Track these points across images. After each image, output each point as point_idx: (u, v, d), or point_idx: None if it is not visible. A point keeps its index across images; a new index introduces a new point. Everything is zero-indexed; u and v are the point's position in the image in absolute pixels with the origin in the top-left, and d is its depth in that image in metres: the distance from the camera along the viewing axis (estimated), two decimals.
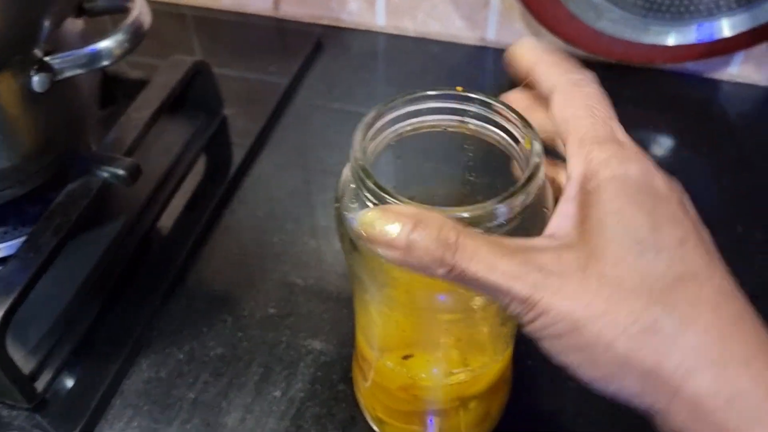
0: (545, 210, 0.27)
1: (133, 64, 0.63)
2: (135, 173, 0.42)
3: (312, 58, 0.62)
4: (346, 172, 0.28)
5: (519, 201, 0.25)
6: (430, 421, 0.34)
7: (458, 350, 0.31)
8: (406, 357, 0.32)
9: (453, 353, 0.31)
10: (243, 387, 0.40)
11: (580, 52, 0.59)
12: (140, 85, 0.50)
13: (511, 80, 0.59)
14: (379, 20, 0.64)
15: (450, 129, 0.29)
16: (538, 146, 0.26)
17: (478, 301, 0.26)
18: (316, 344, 0.42)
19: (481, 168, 0.32)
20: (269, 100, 0.57)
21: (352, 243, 0.27)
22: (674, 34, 0.53)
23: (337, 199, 0.28)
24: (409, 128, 0.29)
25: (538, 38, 0.61)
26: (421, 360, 0.32)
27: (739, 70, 0.58)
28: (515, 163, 0.28)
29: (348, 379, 0.40)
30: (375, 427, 0.37)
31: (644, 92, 0.58)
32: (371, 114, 0.27)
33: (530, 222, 0.26)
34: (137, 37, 0.38)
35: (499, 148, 0.29)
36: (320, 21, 0.66)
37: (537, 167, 0.25)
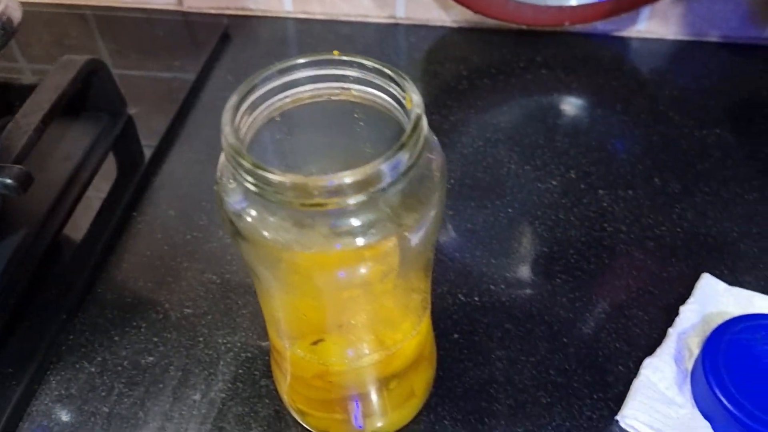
0: (434, 171, 0.26)
1: (34, 71, 0.61)
2: (25, 181, 0.39)
3: (219, 49, 0.60)
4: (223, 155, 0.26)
5: (404, 158, 0.23)
6: (352, 406, 0.33)
7: (368, 330, 0.30)
8: (315, 343, 0.31)
9: (363, 333, 0.30)
10: (160, 394, 0.38)
11: (491, 22, 0.58)
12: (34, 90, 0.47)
13: (425, 56, 0.58)
14: (286, 5, 0.62)
15: (333, 97, 0.28)
16: (417, 99, 0.25)
17: (372, 274, 0.25)
18: (236, 341, 0.40)
19: (376, 138, 0.31)
20: (176, 96, 0.55)
21: (234, 225, 0.25)
22: None
23: (217, 182, 0.26)
24: (288, 100, 0.28)
25: (447, 12, 0.61)
26: (331, 344, 0.30)
27: (646, 26, 0.58)
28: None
29: (269, 374, 0.38)
30: (299, 420, 0.36)
31: (556, 55, 0.58)
32: (239, 90, 0.26)
33: (418, 185, 0.25)
34: (6, 33, 0.35)
35: (389, 113, 0.28)
36: (226, 11, 0.63)
37: (418, 119, 0.24)
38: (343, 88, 0.28)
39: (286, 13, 0.63)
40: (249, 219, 0.25)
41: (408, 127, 0.24)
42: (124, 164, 0.51)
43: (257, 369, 0.39)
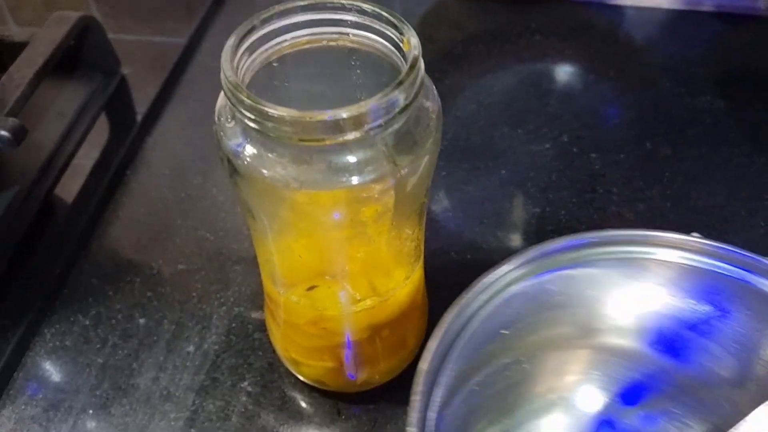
0: (430, 114, 0.26)
1: (24, 32, 0.60)
2: (18, 134, 0.39)
3: (212, 13, 0.60)
4: (222, 95, 0.26)
5: (400, 97, 0.24)
6: (345, 354, 0.33)
7: (361, 276, 0.30)
8: (309, 288, 0.31)
9: (356, 280, 0.30)
10: (154, 346, 0.39)
11: None
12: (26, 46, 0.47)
13: (420, 20, 0.58)
14: None
15: (331, 42, 0.28)
16: (415, 41, 0.25)
17: (367, 213, 0.25)
18: (229, 296, 0.41)
19: (373, 86, 0.31)
20: (169, 58, 0.55)
21: (232, 164, 0.25)
22: None
23: (215, 122, 0.27)
24: (286, 44, 0.28)
25: None
26: (325, 290, 0.31)
27: None
28: None
29: (263, 327, 0.39)
30: (292, 370, 0.36)
31: (550, 23, 0.58)
32: (238, 31, 0.26)
33: (414, 127, 0.25)
34: None
35: (386, 60, 0.28)
36: None
37: (416, 60, 0.24)
38: (341, 33, 0.28)
39: None
40: (247, 156, 0.25)
41: (405, 68, 0.24)
42: (118, 123, 0.51)
43: (251, 322, 0.39)
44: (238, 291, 0.41)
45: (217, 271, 0.42)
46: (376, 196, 0.25)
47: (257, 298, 0.40)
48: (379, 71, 0.29)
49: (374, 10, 0.26)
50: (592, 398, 0.34)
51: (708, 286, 0.30)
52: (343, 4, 0.27)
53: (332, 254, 0.29)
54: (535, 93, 0.52)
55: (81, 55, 0.49)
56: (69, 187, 0.46)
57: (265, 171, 0.24)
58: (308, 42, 0.28)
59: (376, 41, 0.27)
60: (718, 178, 0.46)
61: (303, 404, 0.36)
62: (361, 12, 0.27)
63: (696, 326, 0.30)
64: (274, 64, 0.28)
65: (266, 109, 0.23)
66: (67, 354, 0.38)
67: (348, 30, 0.27)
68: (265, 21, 0.26)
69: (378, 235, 0.27)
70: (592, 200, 0.45)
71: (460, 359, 0.27)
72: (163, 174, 0.47)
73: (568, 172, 0.46)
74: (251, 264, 0.42)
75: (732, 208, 0.44)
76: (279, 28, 0.27)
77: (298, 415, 0.36)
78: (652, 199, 0.45)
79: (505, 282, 0.29)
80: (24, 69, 0.43)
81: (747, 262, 0.29)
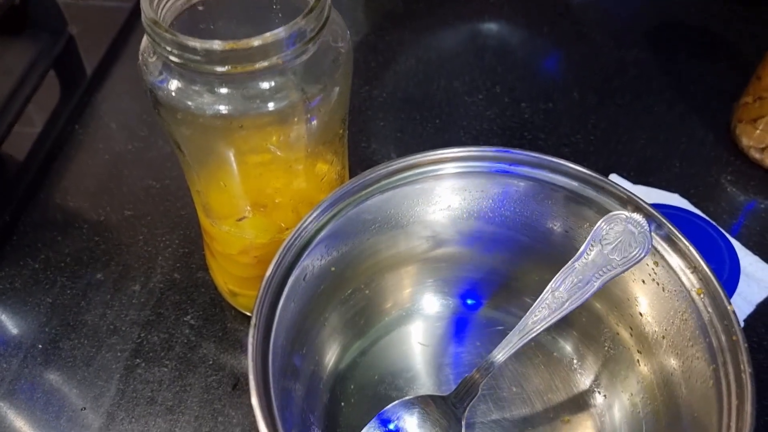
0: (339, 50, 0.28)
1: None
2: None
3: None
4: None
5: (308, 27, 0.26)
6: None
7: (287, 205, 0.32)
8: (239, 220, 0.33)
9: (282, 209, 0.32)
10: (101, 286, 0.41)
11: None
12: None
13: None
14: None
15: None
16: None
17: (281, 139, 0.28)
18: (174, 238, 0.43)
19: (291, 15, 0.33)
20: (117, 20, 0.56)
21: (155, 96, 0.27)
22: None
23: (139, 59, 0.28)
24: None
25: None
26: (253, 220, 0.33)
27: None
28: None
29: (206, 267, 0.41)
30: (230, 302, 0.38)
31: None
32: None
33: (323, 59, 0.27)
34: None
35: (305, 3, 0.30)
36: None
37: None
38: None
39: None
40: (167, 88, 0.27)
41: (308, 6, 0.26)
42: (66, 81, 0.52)
43: (194, 263, 0.41)
44: (183, 234, 0.43)
45: (162, 216, 0.44)
46: (288, 122, 0.27)
47: (201, 240, 0.42)
48: (300, 12, 0.31)
49: None
50: (435, 303, 0.38)
51: (490, 185, 0.33)
52: None
53: (255, 184, 0.31)
54: (472, 48, 0.54)
55: (27, 14, 0.50)
56: (20, 143, 0.47)
57: (185, 101, 0.26)
58: None
59: None
60: (640, 125, 0.49)
61: (242, 334, 0.39)
62: None
63: (489, 218, 0.34)
64: (199, 8, 0.30)
65: (182, 40, 0.25)
66: (17, 295, 0.40)
67: None
68: None
69: (296, 162, 0.30)
70: (521, 145, 0.47)
71: (298, 304, 0.30)
72: (111, 128, 0.49)
73: (499, 120, 0.49)
74: (195, 208, 0.44)
75: (651, 151, 0.47)
76: None
77: (237, 344, 0.38)
78: (576, 144, 0.47)
79: (321, 222, 0.31)
80: None
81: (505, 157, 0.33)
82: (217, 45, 0.25)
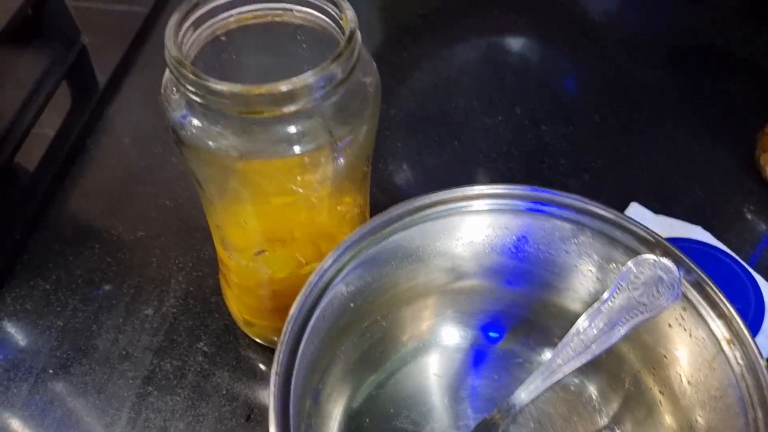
0: (368, 88, 0.28)
1: None
2: None
3: None
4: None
5: (337, 71, 0.25)
6: None
7: (307, 241, 0.32)
8: (258, 253, 0.32)
9: (302, 244, 0.32)
10: (114, 309, 0.40)
11: None
12: None
13: None
14: None
15: (276, 18, 0.29)
16: (351, 15, 0.26)
17: (306, 180, 0.27)
18: (188, 261, 0.42)
19: (319, 59, 0.32)
20: (130, 28, 0.55)
21: (177, 134, 0.27)
22: None
23: (162, 93, 0.28)
24: (232, 20, 0.29)
25: None
26: (272, 255, 0.32)
27: None
28: None
29: (220, 291, 0.40)
30: (245, 331, 0.38)
31: None
32: (182, 7, 0.27)
33: (351, 99, 0.27)
34: None
35: (330, 35, 0.29)
36: None
37: (352, 33, 0.26)
38: (284, 9, 0.29)
39: None
40: (191, 127, 0.26)
41: (342, 42, 0.25)
42: (78, 92, 0.51)
43: (208, 287, 0.41)
44: (197, 256, 0.42)
45: (176, 237, 0.43)
46: (315, 164, 0.27)
47: (215, 262, 0.42)
48: (324, 45, 0.30)
49: None
50: (455, 335, 0.37)
51: (515, 223, 0.33)
52: None
53: (276, 221, 0.30)
54: (491, 66, 0.53)
55: (40, 23, 0.49)
56: (30, 156, 0.47)
57: (207, 141, 0.26)
58: (254, 17, 0.29)
59: (318, 17, 0.28)
60: (662, 150, 0.48)
61: (256, 363, 0.38)
62: None
63: (512, 254, 0.34)
64: (222, 38, 0.29)
65: (208, 83, 0.24)
66: (28, 317, 0.40)
67: (291, 6, 0.29)
68: None
69: (319, 201, 0.29)
70: (540, 171, 0.46)
71: (316, 342, 0.29)
72: (124, 143, 0.48)
73: (518, 143, 0.48)
74: (209, 231, 0.43)
75: (673, 179, 0.46)
76: (223, 4, 0.28)
77: (251, 373, 0.38)
78: (597, 169, 0.47)
79: (343, 262, 0.30)
80: None
81: (541, 197, 0.32)
82: (243, 89, 0.24)
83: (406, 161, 0.47)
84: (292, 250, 0.32)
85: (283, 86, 0.24)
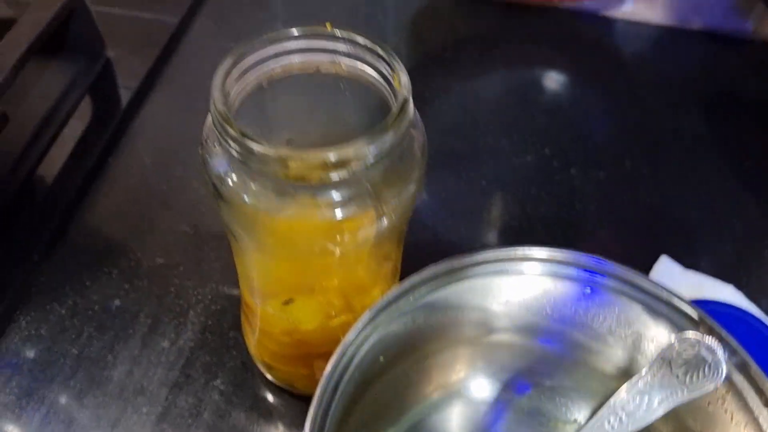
0: (416, 150, 0.27)
1: (9, 2, 0.59)
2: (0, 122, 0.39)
3: None
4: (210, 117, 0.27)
5: (388, 139, 0.24)
6: (318, 363, 0.34)
7: (338, 294, 0.31)
8: (286, 302, 0.31)
9: (333, 297, 0.31)
10: (130, 339, 0.39)
11: None
12: (10, 25, 0.46)
13: (412, 19, 0.58)
14: None
15: (323, 69, 0.28)
16: (405, 80, 0.26)
17: (347, 245, 0.26)
18: (207, 292, 0.41)
19: (361, 108, 0.31)
20: (157, 40, 0.54)
21: (216, 188, 0.26)
22: None
23: (202, 144, 0.27)
24: (278, 69, 0.28)
25: None
26: (301, 304, 0.31)
27: (632, 8, 0.59)
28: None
29: (238, 326, 0.39)
30: (264, 373, 0.37)
31: (542, 31, 0.58)
32: (231, 57, 0.26)
33: (399, 162, 0.26)
34: None
35: (375, 87, 0.28)
36: None
37: (405, 102, 0.25)
38: (333, 61, 0.28)
39: None
40: (231, 183, 0.25)
41: (394, 109, 0.24)
42: (101, 107, 0.50)
43: (226, 321, 0.40)
44: (216, 288, 0.41)
45: (195, 266, 0.42)
46: (356, 227, 0.26)
47: (234, 297, 0.41)
48: (368, 95, 0.29)
49: (367, 44, 0.26)
50: (482, 388, 0.36)
51: (554, 286, 0.32)
52: (337, 35, 0.27)
53: (310, 276, 0.29)
54: (522, 103, 0.52)
55: (66, 37, 0.48)
56: (49, 172, 0.46)
57: (249, 200, 0.25)
58: (300, 67, 0.28)
59: (367, 72, 0.27)
60: (693, 200, 0.47)
61: (274, 404, 0.37)
62: (355, 44, 0.27)
63: (547, 314, 0.33)
64: (264, 85, 0.28)
65: (253, 145, 0.23)
66: (42, 343, 0.39)
67: (341, 59, 0.28)
68: (258, 47, 0.26)
69: (357, 260, 0.28)
70: (569, 217, 0.46)
71: (345, 399, 0.28)
72: (145, 163, 0.47)
73: (547, 186, 0.47)
74: (230, 261, 0.42)
75: (703, 231, 0.45)
76: (272, 54, 0.27)
77: (268, 415, 0.37)
78: (627, 219, 0.46)
79: (378, 323, 0.29)
80: (7, 54, 0.42)
81: (599, 268, 0.32)
82: (289, 155, 0.23)
83: (433, 200, 0.46)
84: (322, 302, 0.31)
85: (332, 154, 0.23)
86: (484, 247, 0.43)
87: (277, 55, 0.27)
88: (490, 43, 0.57)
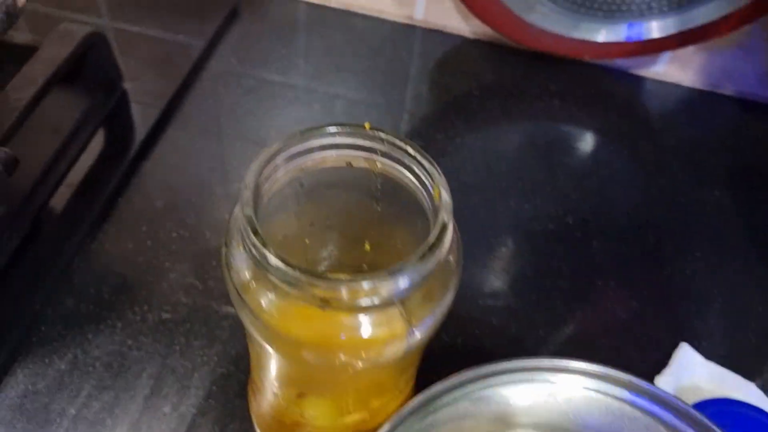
0: (452, 271, 0.25)
1: (27, 18, 0.57)
2: (10, 166, 0.38)
3: (226, 26, 0.57)
4: (237, 210, 0.25)
5: (424, 268, 0.23)
6: None
7: (355, 395, 0.29)
8: (300, 395, 0.30)
9: (350, 397, 0.29)
10: (130, 401, 0.38)
11: (509, 41, 0.57)
12: (28, 52, 0.44)
13: (437, 65, 0.56)
14: None
15: (354, 164, 0.27)
16: (446, 197, 0.24)
17: (372, 360, 0.25)
18: (213, 354, 0.40)
19: (390, 197, 0.30)
20: (176, 72, 0.53)
21: (240, 296, 0.24)
22: (604, 31, 0.52)
23: (226, 243, 0.25)
24: (310, 163, 0.26)
25: (467, 21, 0.59)
26: (315, 400, 0.30)
27: (664, 69, 0.57)
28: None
29: (243, 394, 0.38)
30: None
31: (570, 86, 0.56)
32: (266, 154, 0.24)
33: (434, 280, 0.24)
34: (9, 17, 0.33)
35: (410, 189, 0.27)
36: None
37: (444, 228, 0.23)
38: (368, 158, 0.26)
39: None
40: (257, 296, 0.24)
41: (432, 237, 0.23)
42: (115, 143, 0.48)
43: (232, 387, 0.38)
44: (223, 350, 0.40)
45: (202, 325, 0.41)
46: (384, 346, 0.24)
47: (242, 360, 0.39)
48: (399, 185, 0.28)
49: (407, 149, 0.25)
50: None
51: (580, 395, 0.31)
52: (376, 135, 0.25)
53: (328, 380, 0.28)
54: (546, 164, 0.51)
55: (83, 69, 0.47)
56: (56, 212, 0.44)
57: (273, 314, 0.23)
58: (335, 162, 0.27)
59: (405, 174, 0.26)
60: (716, 284, 0.46)
61: None
62: (394, 145, 0.25)
63: (577, 421, 0.31)
64: (296, 181, 0.27)
65: (284, 268, 0.21)
66: (39, 399, 0.37)
67: (378, 158, 0.26)
68: (293, 143, 0.25)
69: (379, 370, 0.27)
70: (588, 293, 0.44)
71: None
72: (156, 207, 0.46)
73: (568, 258, 0.46)
74: (238, 322, 0.41)
75: (725, 319, 0.44)
76: (307, 149, 0.26)
77: None
78: (648, 298, 0.44)
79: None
80: (21, 90, 0.40)
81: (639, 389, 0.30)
82: (320, 282, 0.21)
83: None
84: (339, 400, 0.30)
85: (366, 282, 0.22)
86: (503, 323, 0.42)
87: (312, 150, 0.26)
88: (515, 95, 0.55)
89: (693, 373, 0.41)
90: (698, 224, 0.49)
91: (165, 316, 0.41)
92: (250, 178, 0.24)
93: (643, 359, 0.42)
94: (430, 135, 0.51)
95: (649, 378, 0.40)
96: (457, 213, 0.47)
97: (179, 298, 0.42)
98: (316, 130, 0.25)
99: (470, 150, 0.51)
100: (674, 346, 0.42)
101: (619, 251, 0.46)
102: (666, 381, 0.40)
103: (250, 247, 0.22)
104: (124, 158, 0.47)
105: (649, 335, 0.43)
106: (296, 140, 0.25)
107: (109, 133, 0.48)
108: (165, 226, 0.45)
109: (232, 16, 0.58)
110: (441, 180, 0.24)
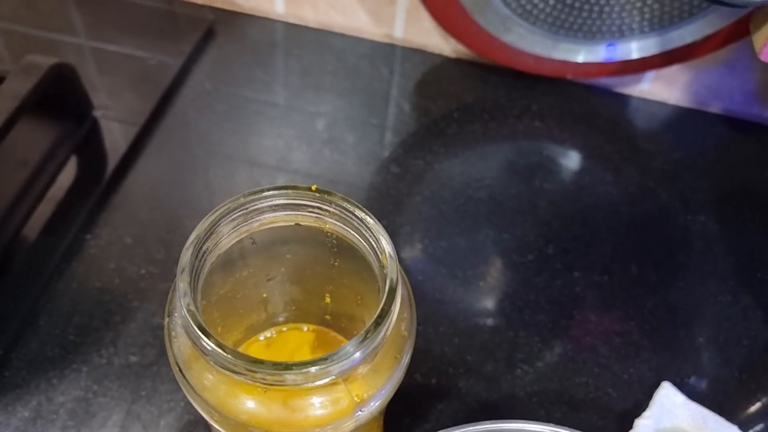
0: (403, 337, 0.24)
1: (8, 42, 0.56)
2: None
3: (202, 46, 0.56)
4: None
5: (372, 344, 0.22)
6: None
7: None
8: None
9: None
10: None
11: (490, 61, 0.55)
12: None
13: (416, 86, 0.55)
14: (278, 7, 0.58)
15: (302, 223, 0.26)
16: (392, 265, 0.23)
17: None
18: (179, 399, 0.39)
19: (346, 252, 0.29)
20: (155, 88, 0.51)
21: (182, 374, 0.23)
22: (584, 52, 0.50)
23: (168, 313, 0.24)
24: (256, 225, 0.25)
25: (447, 41, 0.57)
26: None
27: (649, 87, 0.56)
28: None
29: None
30: None
31: (552, 106, 0.55)
32: (203, 226, 0.23)
33: (384, 353, 0.23)
34: None
35: (360, 250, 0.25)
36: (213, 4, 0.59)
37: (392, 296, 0.22)
38: (318, 218, 0.25)
39: (277, 16, 0.59)
40: (197, 371, 0.23)
41: (379, 307, 0.22)
42: (85, 173, 0.47)
43: None
44: None
45: (169, 369, 0.39)
46: (330, 422, 0.23)
47: None
48: (356, 251, 0.26)
49: (355, 213, 0.24)
50: None
51: None
52: (324, 197, 0.24)
53: None
54: (527, 191, 0.50)
55: (51, 100, 0.46)
56: (24, 246, 0.43)
57: (215, 392, 0.22)
58: (283, 220, 0.26)
59: (353, 236, 0.25)
60: (701, 316, 0.44)
61: None
62: (342, 209, 0.24)
63: None
64: (242, 243, 0.26)
65: (227, 358, 0.20)
66: None
67: (326, 219, 0.25)
68: (234, 210, 0.24)
69: None
70: (568, 327, 0.43)
71: None
72: (125, 243, 0.45)
73: (548, 290, 0.45)
74: None
75: (709, 354, 0.43)
76: (252, 210, 0.25)
77: None
78: (629, 334, 0.43)
79: None
80: None
81: None
82: (267, 369, 0.20)
83: (426, 303, 0.43)
84: None
85: (312, 368, 0.20)
86: (478, 360, 0.40)
87: (258, 212, 0.25)
88: (497, 117, 0.54)
89: (674, 416, 0.40)
90: (684, 254, 0.48)
91: (132, 359, 0.40)
92: (185, 259, 0.22)
93: (624, 398, 0.41)
94: (409, 162, 0.50)
95: (629, 417, 0.39)
96: (435, 242, 0.46)
97: (147, 339, 0.41)
98: (259, 193, 0.24)
99: (449, 177, 0.50)
100: (656, 384, 0.40)
101: (600, 282, 0.45)
102: (645, 425, 0.39)
103: (195, 342, 0.21)
104: (94, 191, 0.46)
105: (631, 373, 0.42)
106: (238, 205, 0.24)
107: (79, 163, 0.47)
108: (133, 263, 0.44)
109: (208, 36, 0.57)
110: (390, 248, 0.23)
